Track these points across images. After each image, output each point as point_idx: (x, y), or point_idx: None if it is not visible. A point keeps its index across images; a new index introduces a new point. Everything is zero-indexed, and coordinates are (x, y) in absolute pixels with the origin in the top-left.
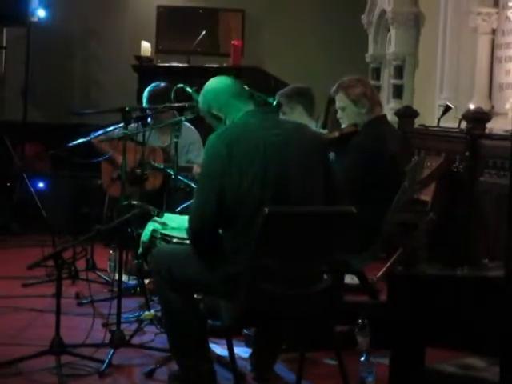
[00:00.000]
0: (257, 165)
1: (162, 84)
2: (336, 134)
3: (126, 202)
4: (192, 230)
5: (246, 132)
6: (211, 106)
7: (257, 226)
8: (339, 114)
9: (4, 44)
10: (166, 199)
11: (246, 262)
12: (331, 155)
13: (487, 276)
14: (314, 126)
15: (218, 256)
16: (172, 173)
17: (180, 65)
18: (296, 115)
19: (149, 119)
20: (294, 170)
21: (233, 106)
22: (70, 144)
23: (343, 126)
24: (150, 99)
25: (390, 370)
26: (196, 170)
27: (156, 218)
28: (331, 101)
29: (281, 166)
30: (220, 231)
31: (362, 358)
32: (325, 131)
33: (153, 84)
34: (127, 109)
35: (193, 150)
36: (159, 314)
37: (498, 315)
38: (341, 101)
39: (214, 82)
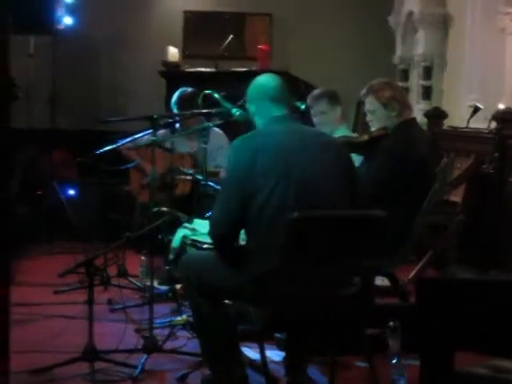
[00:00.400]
0: (279, 169)
1: (190, 89)
2: (365, 137)
3: (156, 209)
4: (215, 235)
5: (269, 138)
6: (250, 97)
7: (281, 231)
8: (368, 117)
9: (31, 52)
10: (196, 205)
11: (272, 263)
12: (360, 159)
13: None
14: (345, 128)
15: (242, 257)
16: (201, 178)
17: (207, 70)
18: (332, 117)
19: (177, 125)
20: (316, 174)
21: (265, 108)
22: (98, 151)
23: (372, 130)
24: (178, 105)
25: (420, 373)
26: (223, 174)
27: (186, 224)
28: (360, 104)
29: (303, 169)
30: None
31: (394, 361)
32: (354, 134)
33: (180, 89)
34: (155, 116)
35: (221, 154)
36: (191, 319)
37: None
38: (370, 104)
39: (262, 78)
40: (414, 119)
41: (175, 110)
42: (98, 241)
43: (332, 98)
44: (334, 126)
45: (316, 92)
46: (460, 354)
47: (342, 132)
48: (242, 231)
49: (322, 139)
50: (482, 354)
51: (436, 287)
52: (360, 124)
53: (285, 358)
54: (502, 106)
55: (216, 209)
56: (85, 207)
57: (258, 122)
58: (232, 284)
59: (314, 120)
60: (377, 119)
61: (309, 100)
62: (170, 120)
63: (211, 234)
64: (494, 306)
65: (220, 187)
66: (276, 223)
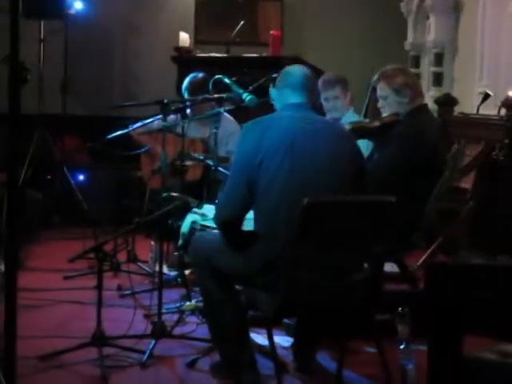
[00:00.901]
0: (285, 148)
1: (200, 74)
2: (377, 123)
3: (165, 194)
4: (220, 220)
5: (277, 121)
6: (275, 84)
7: (296, 216)
8: (380, 103)
9: (42, 37)
10: (206, 190)
11: (278, 249)
12: (368, 144)
13: None
14: (352, 112)
15: (250, 242)
16: (212, 164)
17: (219, 55)
18: (344, 103)
19: (188, 111)
20: (322, 158)
21: (284, 94)
22: (108, 137)
23: (384, 115)
24: (189, 90)
25: (429, 358)
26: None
27: (196, 210)
28: (373, 90)
29: (308, 153)
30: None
31: (402, 346)
32: (365, 120)
33: (191, 75)
34: (165, 101)
35: (232, 140)
36: (200, 304)
37: None
38: (383, 90)
39: (292, 67)
40: (425, 105)
41: (186, 96)
42: (109, 226)
43: (345, 83)
44: (344, 110)
45: (328, 77)
46: (469, 338)
47: (349, 116)
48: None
49: (332, 127)
50: (490, 338)
51: (445, 272)
52: (371, 110)
53: (293, 344)
54: None
55: (223, 194)
56: (95, 193)
57: (276, 107)
58: (241, 269)
59: (325, 104)
60: (388, 105)
61: (321, 84)
62: (181, 105)
63: (216, 218)
64: (503, 291)
65: (229, 170)
66: (280, 207)
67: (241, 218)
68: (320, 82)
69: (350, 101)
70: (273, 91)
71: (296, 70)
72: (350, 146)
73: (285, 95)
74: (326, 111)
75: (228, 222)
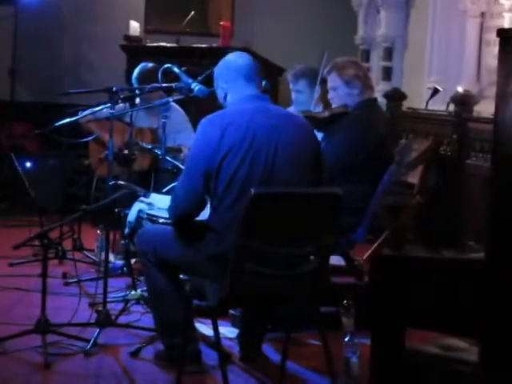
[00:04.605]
0: (246, 146)
1: (150, 64)
2: (326, 113)
3: (112, 182)
4: (176, 214)
5: (238, 116)
6: (221, 76)
7: (243, 207)
8: (330, 95)
9: None
10: (154, 180)
11: (231, 242)
12: (320, 134)
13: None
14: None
15: (201, 233)
16: (160, 153)
17: (169, 45)
18: (307, 97)
19: (137, 100)
20: (282, 153)
21: (237, 87)
22: (57, 124)
23: (334, 107)
24: (139, 80)
25: (372, 350)
26: (185, 151)
27: (142, 199)
28: (323, 82)
29: (269, 148)
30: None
31: (347, 339)
32: (316, 110)
33: (141, 64)
34: (114, 89)
35: (181, 131)
36: (145, 293)
37: (478, 297)
38: (333, 81)
39: (233, 56)
40: (374, 99)
41: (136, 85)
42: (56, 214)
43: (313, 78)
44: (308, 105)
45: (298, 69)
46: (411, 332)
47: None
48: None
49: (292, 119)
50: (432, 332)
51: (389, 264)
52: (322, 102)
53: (239, 335)
54: (460, 89)
55: (179, 189)
56: (43, 180)
57: (229, 101)
58: (188, 259)
59: (292, 96)
60: (338, 97)
61: (290, 76)
62: (130, 94)
63: (171, 211)
64: (446, 284)
65: (185, 163)
66: (239, 203)
67: (196, 215)
68: (289, 72)
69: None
70: (222, 85)
71: (241, 60)
72: (309, 138)
73: (238, 87)
74: (293, 103)
75: (183, 218)
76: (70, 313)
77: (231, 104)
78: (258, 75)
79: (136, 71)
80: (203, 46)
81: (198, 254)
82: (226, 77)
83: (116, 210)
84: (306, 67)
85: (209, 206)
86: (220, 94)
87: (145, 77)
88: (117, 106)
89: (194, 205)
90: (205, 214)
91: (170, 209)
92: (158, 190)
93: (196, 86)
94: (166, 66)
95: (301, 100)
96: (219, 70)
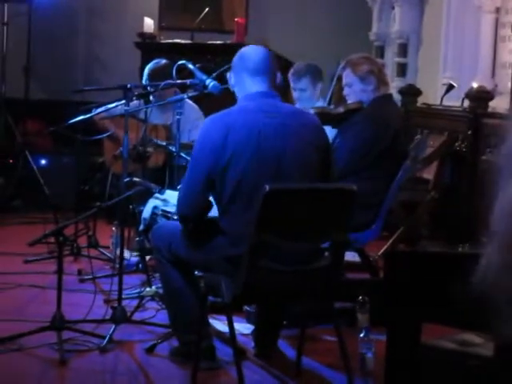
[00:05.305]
0: (252, 146)
1: (163, 61)
2: (341, 109)
3: (127, 179)
4: (179, 214)
5: (242, 115)
6: (232, 68)
7: (257, 204)
8: (345, 91)
9: (5, 20)
10: (168, 176)
11: (245, 242)
12: (334, 131)
13: (482, 253)
14: (322, 104)
15: (213, 233)
16: (174, 150)
17: (183, 42)
18: (311, 95)
19: (151, 97)
20: (289, 152)
21: (243, 82)
22: (71, 121)
23: (348, 103)
24: (150, 77)
25: (387, 346)
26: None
27: (157, 195)
28: (338, 78)
29: (275, 147)
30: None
31: (362, 335)
32: (330, 107)
33: (153, 61)
34: (128, 86)
35: (196, 127)
36: (160, 290)
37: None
38: (348, 77)
39: (248, 48)
40: (390, 95)
41: (147, 82)
42: (70, 211)
43: (315, 75)
44: (313, 102)
45: (299, 67)
46: (427, 327)
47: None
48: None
49: (299, 117)
50: (448, 327)
51: (403, 260)
52: (336, 99)
53: (254, 331)
54: (475, 85)
55: (182, 187)
56: (57, 177)
57: (237, 93)
58: (202, 257)
59: (294, 94)
60: (353, 93)
61: (291, 75)
62: (144, 91)
63: (177, 211)
64: (461, 279)
65: (189, 164)
66: (251, 204)
67: (201, 216)
68: (290, 72)
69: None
70: (232, 77)
71: (253, 53)
72: (317, 136)
73: (243, 82)
74: (295, 99)
75: (185, 217)
76: (85, 309)
77: (238, 98)
78: (269, 71)
79: (147, 68)
80: (217, 42)
81: (211, 254)
82: (236, 68)
83: (131, 207)
84: (307, 64)
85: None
86: (231, 82)
87: (156, 74)
88: (131, 103)
89: (196, 207)
90: (214, 210)
91: (176, 209)
92: (173, 187)
93: (210, 83)
94: (180, 62)
95: (304, 97)
96: (234, 59)
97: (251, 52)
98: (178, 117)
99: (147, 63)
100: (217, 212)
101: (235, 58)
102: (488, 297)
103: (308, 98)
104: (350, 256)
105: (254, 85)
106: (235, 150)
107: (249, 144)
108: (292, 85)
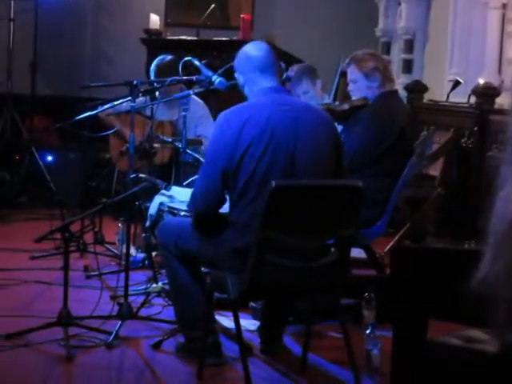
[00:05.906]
0: (265, 142)
1: (169, 57)
2: (346, 106)
3: (133, 176)
4: (195, 210)
5: (256, 110)
6: (238, 67)
7: (264, 199)
8: (350, 87)
9: (12, 16)
10: (175, 172)
11: (253, 235)
12: (339, 127)
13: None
14: (326, 100)
15: (221, 227)
16: (180, 146)
17: (189, 38)
18: (314, 94)
19: (157, 93)
20: (302, 146)
21: (253, 78)
22: (77, 117)
23: (353, 99)
24: (156, 73)
25: (393, 342)
26: (206, 144)
27: (163, 192)
28: (343, 74)
29: (289, 142)
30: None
31: (368, 331)
32: (335, 103)
33: (159, 57)
34: (134, 82)
35: (202, 123)
36: (167, 286)
37: None
38: (352, 73)
39: (249, 47)
40: (395, 91)
41: (152, 78)
42: (76, 207)
43: (311, 73)
44: (317, 100)
45: (295, 72)
46: (433, 323)
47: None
48: None
49: (311, 111)
50: (454, 323)
51: (409, 256)
52: (341, 95)
53: (260, 327)
54: (482, 81)
55: (198, 183)
56: (64, 173)
57: (247, 93)
58: (210, 252)
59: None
60: (358, 89)
61: (290, 81)
62: (149, 87)
63: (191, 207)
64: (467, 275)
65: (204, 159)
66: (260, 197)
67: (216, 212)
68: (287, 79)
69: (320, 89)
70: (240, 77)
71: (257, 51)
72: (329, 130)
73: (254, 80)
74: None
75: (201, 214)
76: (91, 306)
77: (250, 96)
78: (275, 65)
79: (153, 64)
80: (223, 39)
81: (220, 247)
82: (243, 68)
83: (137, 203)
84: (300, 66)
85: (228, 199)
86: (240, 83)
87: (162, 70)
88: (137, 100)
89: (211, 203)
90: (225, 207)
91: (189, 205)
92: (179, 183)
93: (216, 79)
94: (186, 58)
95: (308, 98)
96: (237, 60)
97: (254, 49)
98: (183, 113)
99: (153, 59)
100: (227, 209)
101: (239, 59)
102: (488, 299)
103: (312, 98)
104: (357, 252)
105: (264, 80)
106: (248, 144)
107: (262, 138)
108: (293, 91)
